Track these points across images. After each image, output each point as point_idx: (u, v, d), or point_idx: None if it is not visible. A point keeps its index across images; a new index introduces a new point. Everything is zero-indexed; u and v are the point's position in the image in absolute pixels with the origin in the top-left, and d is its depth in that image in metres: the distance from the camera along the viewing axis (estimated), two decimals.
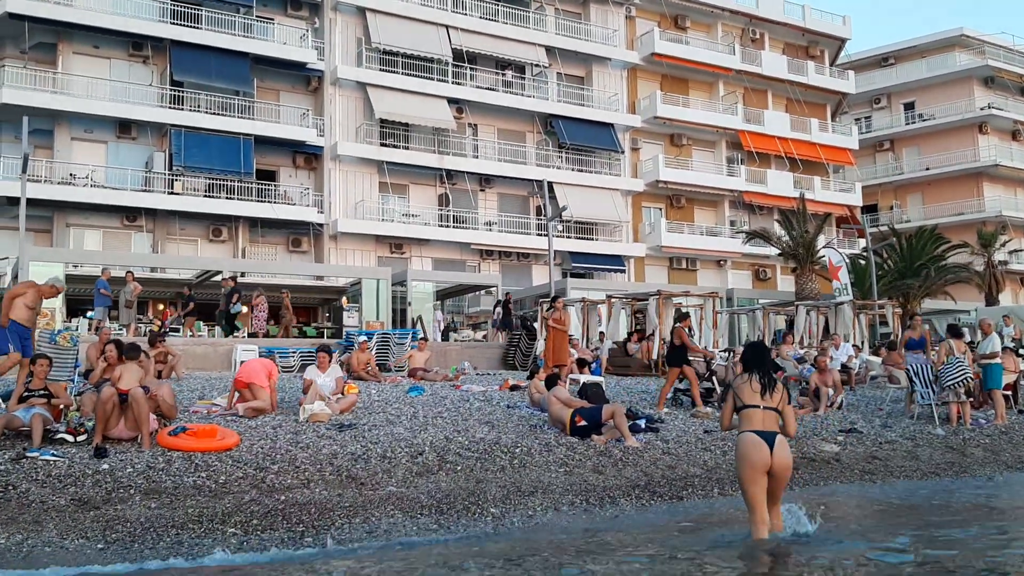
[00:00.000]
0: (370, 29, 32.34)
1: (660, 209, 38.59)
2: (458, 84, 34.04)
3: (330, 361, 11.66)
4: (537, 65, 35.98)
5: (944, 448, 11.47)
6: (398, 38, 32.60)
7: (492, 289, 29.94)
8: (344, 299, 28.14)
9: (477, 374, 18.55)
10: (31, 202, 22.42)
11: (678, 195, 38.58)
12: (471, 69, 34.48)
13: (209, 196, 29.84)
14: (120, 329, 19.81)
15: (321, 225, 31.39)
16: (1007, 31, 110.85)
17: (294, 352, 18.49)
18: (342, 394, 11.26)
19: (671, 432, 10.91)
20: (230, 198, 29.88)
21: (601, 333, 22.73)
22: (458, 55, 33.69)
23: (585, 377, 14.21)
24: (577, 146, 36.15)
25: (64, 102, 27.93)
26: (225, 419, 10.16)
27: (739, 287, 35.64)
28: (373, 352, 17.61)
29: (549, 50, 35.81)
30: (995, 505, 8.97)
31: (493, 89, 35.02)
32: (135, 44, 29.72)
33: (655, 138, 38.77)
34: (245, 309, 22.23)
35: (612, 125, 37.00)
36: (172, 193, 29.28)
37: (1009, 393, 14.21)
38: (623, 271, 36.38)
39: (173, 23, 29.62)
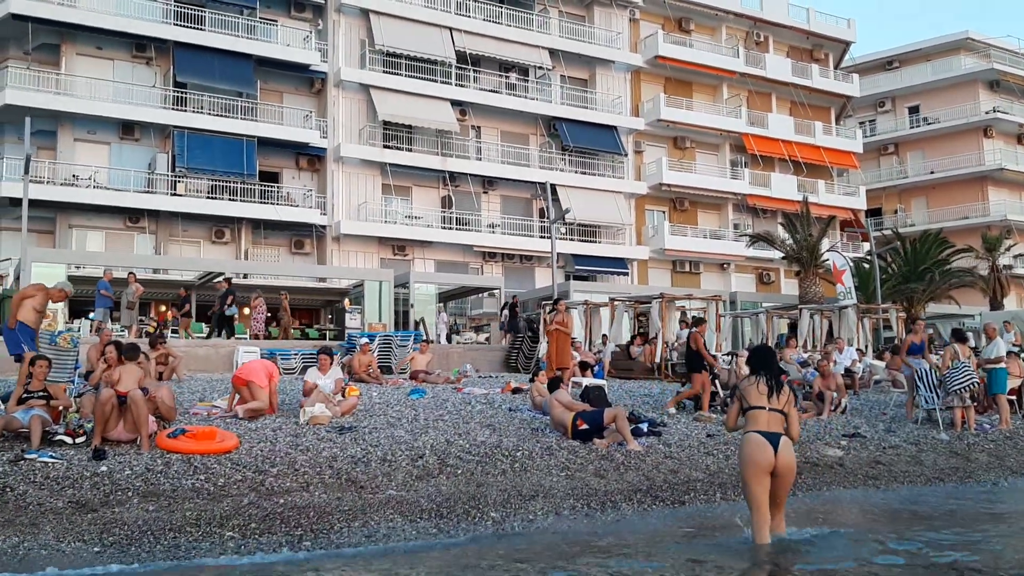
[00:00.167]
0: (373, 31, 32.34)
1: (663, 212, 38.54)
2: (461, 86, 34.03)
3: (331, 363, 11.61)
4: (540, 67, 35.95)
5: (948, 453, 11.39)
6: (401, 40, 32.59)
7: (495, 291, 29.91)
8: (346, 301, 28.13)
9: (479, 376, 18.50)
10: (34, 203, 22.42)
11: (681, 198, 38.53)
12: (474, 71, 34.47)
13: (212, 198, 29.84)
14: (122, 331, 19.79)
15: (324, 227, 31.37)
16: (1013, 34, 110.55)
17: (296, 354, 18.46)
18: (342, 395, 11.22)
19: (673, 436, 10.85)
20: (233, 200, 29.88)
21: (604, 336, 22.67)
22: (461, 57, 33.68)
23: (587, 380, 14.15)
24: (580, 148, 36.11)
25: (67, 103, 27.96)
26: (225, 421, 10.12)
27: (742, 290, 35.54)
28: (375, 354, 17.57)
29: (552, 52, 35.78)
30: (999, 511, 8.89)
31: (496, 91, 34.99)
32: (138, 45, 29.75)
33: (658, 141, 38.72)
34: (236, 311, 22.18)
35: (615, 128, 36.96)
36: (175, 194, 29.29)
37: (1014, 398, 14.12)
38: (626, 274, 36.33)
39: (176, 24, 29.66)
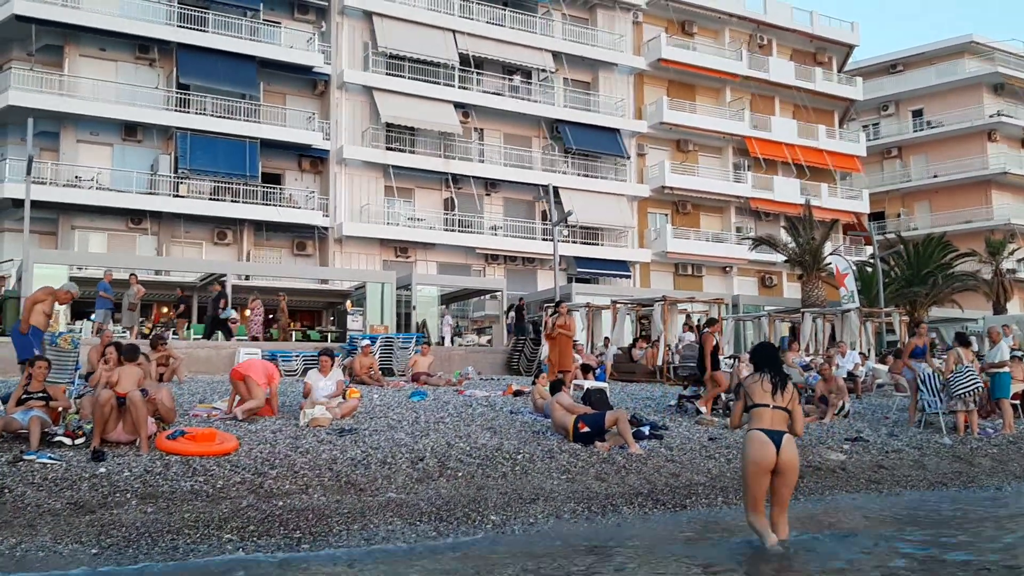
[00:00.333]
0: (377, 33, 32.35)
1: (666, 215, 38.49)
2: (464, 89, 34.01)
3: (332, 365, 11.57)
4: (543, 70, 35.92)
5: (951, 458, 11.33)
6: (405, 42, 32.59)
7: (496, 294, 29.88)
8: (348, 303, 28.09)
9: (481, 379, 18.46)
10: (36, 204, 22.44)
11: (684, 201, 38.48)
12: (477, 74, 34.46)
13: (214, 199, 29.83)
14: (123, 332, 19.78)
15: (326, 228, 31.36)
16: (1017, 38, 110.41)
17: (297, 356, 18.44)
18: (342, 396, 11.18)
19: (675, 439, 10.80)
20: (235, 201, 29.87)
21: (606, 339, 22.63)
22: (464, 60, 33.67)
23: (589, 383, 14.08)
24: (583, 151, 36.08)
25: (70, 104, 27.95)
26: (224, 423, 10.09)
27: (745, 294, 35.50)
28: (376, 356, 17.54)
29: (556, 55, 35.78)
30: (1003, 515, 8.84)
31: (499, 94, 34.98)
32: (141, 47, 29.76)
33: (661, 144, 38.68)
34: (235, 314, 22.13)
35: (618, 130, 36.94)
36: (177, 196, 29.30)
37: (1017, 402, 14.06)
38: (628, 277, 36.29)
39: (180, 26, 29.67)
